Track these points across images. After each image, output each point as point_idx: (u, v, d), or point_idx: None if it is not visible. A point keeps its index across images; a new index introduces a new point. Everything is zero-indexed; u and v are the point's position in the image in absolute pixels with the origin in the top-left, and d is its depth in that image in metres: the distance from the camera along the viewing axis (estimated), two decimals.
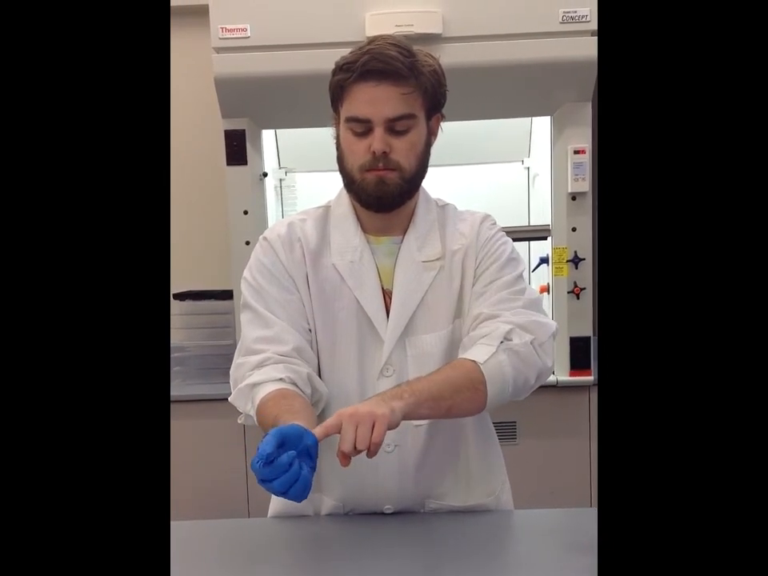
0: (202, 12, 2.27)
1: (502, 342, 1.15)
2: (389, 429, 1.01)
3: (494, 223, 1.30)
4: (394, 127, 1.16)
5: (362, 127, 1.16)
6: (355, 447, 0.99)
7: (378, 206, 1.21)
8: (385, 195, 1.19)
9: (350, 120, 1.17)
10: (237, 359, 1.23)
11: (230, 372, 1.24)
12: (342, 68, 1.17)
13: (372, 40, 1.18)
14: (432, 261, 1.24)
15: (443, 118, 1.26)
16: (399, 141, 1.17)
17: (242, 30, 2.22)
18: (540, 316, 1.22)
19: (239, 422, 1.22)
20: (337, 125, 1.22)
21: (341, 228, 1.27)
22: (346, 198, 1.28)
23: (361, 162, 1.18)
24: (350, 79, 1.15)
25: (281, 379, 1.14)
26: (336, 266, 1.24)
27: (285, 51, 2.21)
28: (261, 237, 1.30)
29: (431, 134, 1.24)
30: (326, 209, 1.31)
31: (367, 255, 1.25)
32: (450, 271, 1.25)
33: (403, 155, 1.18)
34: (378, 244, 1.26)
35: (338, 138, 1.22)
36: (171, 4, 2.62)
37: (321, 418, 1.24)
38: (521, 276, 1.26)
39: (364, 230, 1.27)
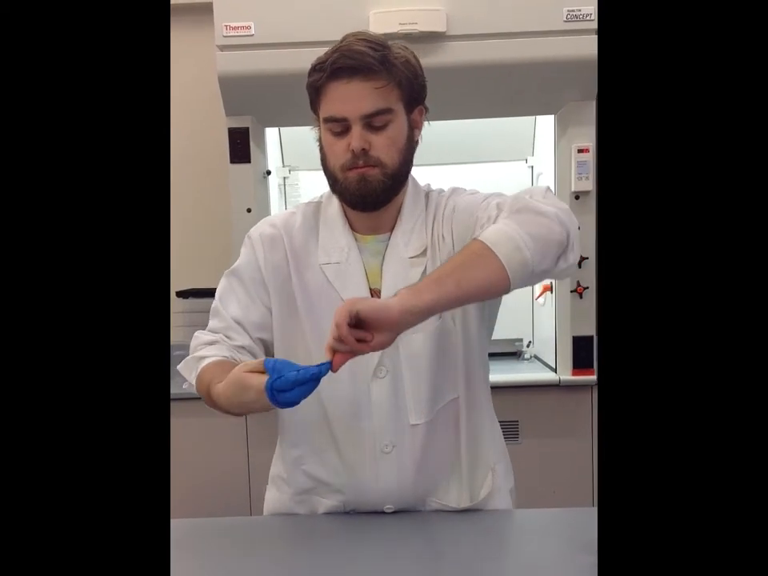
0: (206, 10, 2.28)
1: (497, 217, 1.09)
2: (386, 320, 0.96)
3: (462, 191, 1.28)
4: (372, 123, 1.14)
5: (340, 126, 1.15)
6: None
7: (362, 205, 1.19)
8: (368, 193, 1.17)
9: (327, 120, 1.16)
10: (197, 332, 1.29)
11: None
12: (314, 69, 1.16)
13: (344, 38, 1.17)
14: (418, 256, 1.22)
15: (426, 111, 1.24)
16: (378, 136, 1.15)
17: (246, 27, 2.22)
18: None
19: (183, 387, 1.26)
20: (318, 127, 1.21)
21: (329, 227, 1.26)
22: (335, 197, 1.26)
23: (342, 161, 1.16)
24: (322, 79, 1.14)
25: (226, 356, 1.19)
26: (322, 267, 1.23)
27: (289, 49, 2.21)
28: (247, 233, 1.31)
29: (414, 128, 1.22)
30: (318, 204, 1.30)
31: (354, 255, 1.23)
32: (432, 263, 1.22)
33: (384, 151, 1.16)
34: (366, 243, 1.25)
35: (320, 139, 1.21)
36: (175, 2, 2.64)
37: (320, 424, 1.25)
38: (501, 195, 1.21)
39: (353, 228, 1.25)
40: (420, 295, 0.98)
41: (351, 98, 1.13)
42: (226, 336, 1.25)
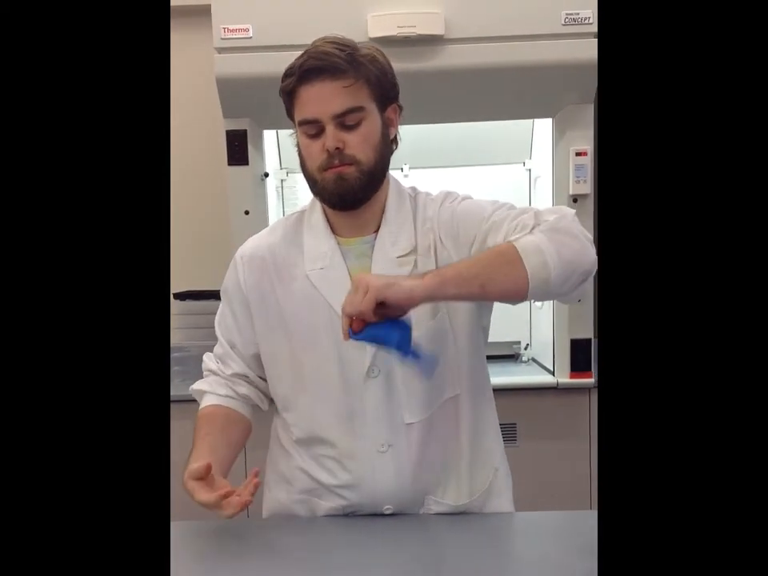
0: (204, 12, 2.27)
1: (533, 228, 1.11)
2: (407, 305, 1.04)
3: (455, 198, 1.28)
4: (344, 122, 1.16)
5: (314, 128, 1.17)
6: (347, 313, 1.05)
7: (341, 204, 1.21)
8: (345, 192, 1.18)
9: (301, 123, 1.18)
10: (206, 354, 1.39)
11: None
12: (286, 74, 1.18)
13: (312, 43, 1.19)
14: (406, 255, 1.23)
15: (401, 110, 1.26)
16: (352, 135, 1.17)
17: (244, 30, 2.22)
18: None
19: (190, 390, 1.37)
20: (296, 132, 1.23)
21: (312, 235, 1.28)
22: (318, 204, 1.28)
23: (318, 162, 1.18)
24: (292, 83, 1.16)
25: (221, 395, 1.31)
26: (308, 274, 1.25)
27: (287, 52, 2.19)
28: (235, 254, 1.34)
29: (389, 126, 1.23)
30: (301, 214, 1.32)
31: (337, 259, 1.24)
32: (424, 265, 1.22)
33: (358, 149, 1.17)
34: (348, 245, 1.26)
35: (297, 144, 1.24)
36: (173, 4, 2.63)
37: (317, 427, 1.26)
38: (500, 203, 1.23)
39: (337, 232, 1.27)
40: (445, 288, 1.05)
41: (321, 98, 1.15)
42: (224, 363, 1.34)
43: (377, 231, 1.25)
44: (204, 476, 1.11)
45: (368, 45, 1.21)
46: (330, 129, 1.15)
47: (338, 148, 1.16)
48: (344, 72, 1.14)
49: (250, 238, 1.37)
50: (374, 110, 1.19)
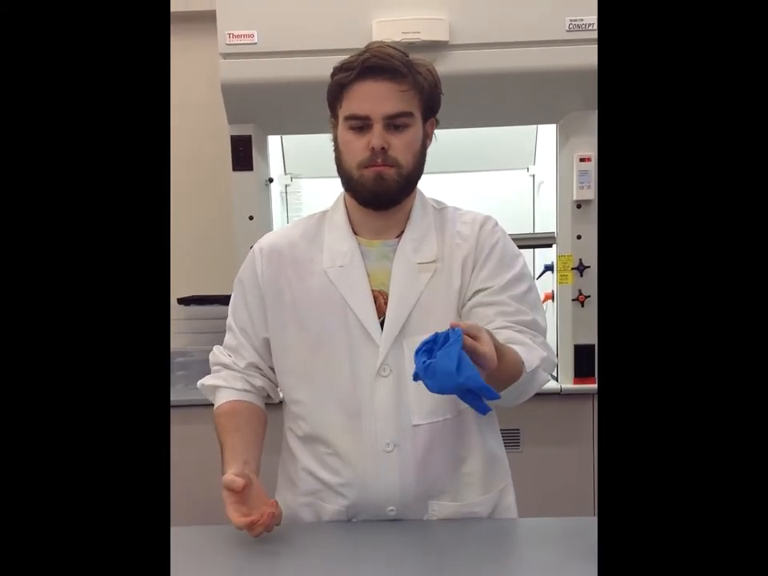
0: (210, 18, 2.28)
1: (536, 367, 1.16)
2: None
3: (496, 225, 1.31)
4: (392, 124, 1.19)
5: (361, 124, 1.19)
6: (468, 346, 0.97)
7: (376, 203, 1.23)
8: (383, 192, 1.21)
9: (349, 118, 1.20)
10: (216, 347, 1.39)
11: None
12: (341, 68, 1.20)
13: (370, 44, 1.22)
14: (427, 263, 1.26)
15: (437, 124, 1.29)
16: (397, 138, 1.19)
17: (249, 36, 2.22)
18: (551, 351, 1.25)
19: (198, 385, 1.39)
20: (334, 127, 1.25)
21: (334, 233, 1.29)
22: (342, 204, 1.31)
23: (359, 159, 1.20)
24: (351, 77, 1.18)
25: (238, 389, 1.32)
26: (326, 271, 1.26)
27: (291, 57, 2.22)
28: (253, 246, 1.35)
29: (427, 138, 1.27)
30: (323, 214, 1.34)
31: (357, 259, 1.26)
32: (449, 273, 1.25)
33: (401, 152, 1.20)
34: (371, 247, 1.28)
35: (335, 139, 1.25)
36: (179, 9, 2.65)
37: (324, 424, 1.27)
38: (522, 276, 1.28)
39: (359, 233, 1.28)
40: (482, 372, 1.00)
41: (377, 97, 1.17)
42: (237, 355, 1.34)
43: (399, 237, 1.28)
44: (239, 491, 1.11)
45: (421, 58, 1.24)
46: (378, 128, 1.18)
47: (383, 148, 1.18)
48: (404, 76, 1.18)
49: (270, 233, 1.39)
50: (419, 119, 1.22)
